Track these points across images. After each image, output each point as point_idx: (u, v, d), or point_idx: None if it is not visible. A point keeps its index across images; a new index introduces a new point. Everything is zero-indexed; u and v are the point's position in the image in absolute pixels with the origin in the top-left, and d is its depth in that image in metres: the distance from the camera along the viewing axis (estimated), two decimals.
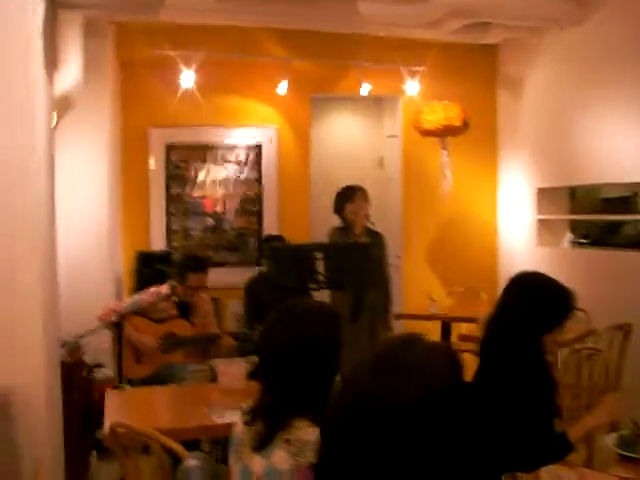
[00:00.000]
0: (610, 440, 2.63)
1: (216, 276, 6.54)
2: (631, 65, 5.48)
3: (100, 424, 3.33)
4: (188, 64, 6.09)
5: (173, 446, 2.66)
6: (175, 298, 4.73)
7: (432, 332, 5.59)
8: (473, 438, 1.29)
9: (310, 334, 2.02)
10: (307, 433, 1.91)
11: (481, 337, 2.77)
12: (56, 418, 3.66)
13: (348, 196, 5.32)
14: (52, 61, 3.92)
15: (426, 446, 1.21)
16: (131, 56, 6.39)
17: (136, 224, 6.62)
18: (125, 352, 4.39)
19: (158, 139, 6.66)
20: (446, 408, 1.24)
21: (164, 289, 4.83)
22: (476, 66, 7.19)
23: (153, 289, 4.89)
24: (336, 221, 5.49)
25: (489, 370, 2.65)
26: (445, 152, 6.55)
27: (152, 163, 6.66)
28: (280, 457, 1.93)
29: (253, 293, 5.67)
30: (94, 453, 4.81)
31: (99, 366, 5.20)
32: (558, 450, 2.55)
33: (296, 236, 6.22)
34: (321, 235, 5.65)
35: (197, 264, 4.95)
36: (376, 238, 5.41)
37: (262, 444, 1.97)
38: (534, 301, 2.62)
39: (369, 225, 5.41)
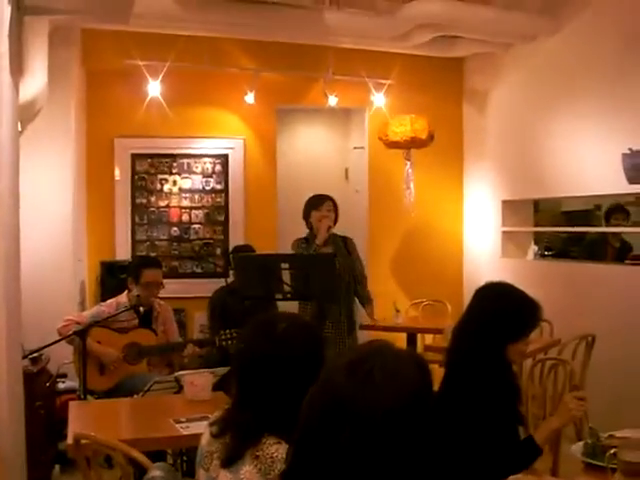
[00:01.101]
0: (576, 449, 2.64)
1: (181, 286, 6.56)
2: (595, 80, 5.56)
3: (63, 436, 3.26)
4: (155, 74, 6.07)
5: (137, 457, 2.61)
6: (135, 303, 4.67)
7: (398, 343, 5.57)
8: (440, 447, 1.30)
9: (295, 355, 1.96)
10: (276, 450, 1.87)
11: (447, 347, 2.78)
12: (19, 428, 3.59)
13: (315, 204, 5.34)
14: (18, 67, 3.87)
15: (396, 452, 1.21)
16: (97, 65, 6.34)
17: (101, 234, 6.55)
18: (88, 364, 4.31)
19: (124, 149, 6.60)
20: (417, 414, 1.24)
21: (123, 298, 4.79)
22: (442, 79, 7.25)
23: (111, 300, 4.84)
24: (302, 232, 5.48)
25: (455, 380, 2.66)
26: (409, 164, 6.58)
27: (117, 173, 6.60)
28: (248, 473, 1.89)
29: (219, 304, 5.65)
30: (57, 466, 4.73)
31: (62, 376, 5.13)
32: (526, 456, 2.56)
33: (263, 246, 6.20)
34: (288, 245, 5.64)
35: (150, 261, 5.06)
36: (343, 243, 5.40)
37: (231, 459, 1.93)
38: (500, 311, 2.63)
39: (334, 232, 5.39)
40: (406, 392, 1.24)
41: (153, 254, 6.61)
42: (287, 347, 1.96)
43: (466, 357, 2.63)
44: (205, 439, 2.07)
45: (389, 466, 1.21)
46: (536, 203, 6.84)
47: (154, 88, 6.10)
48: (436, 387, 2.66)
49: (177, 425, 3.24)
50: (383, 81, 6.81)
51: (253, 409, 1.95)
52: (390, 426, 1.21)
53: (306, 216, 5.38)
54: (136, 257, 6.08)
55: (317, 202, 5.33)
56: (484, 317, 2.64)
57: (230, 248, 6.46)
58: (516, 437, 2.69)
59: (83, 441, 2.75)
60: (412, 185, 6.63)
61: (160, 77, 6.05)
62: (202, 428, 2.16)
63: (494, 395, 2.58)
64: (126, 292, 4.81)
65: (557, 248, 6.50)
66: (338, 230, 5.49)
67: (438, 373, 2.74)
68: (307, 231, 5.40)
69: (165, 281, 4.91)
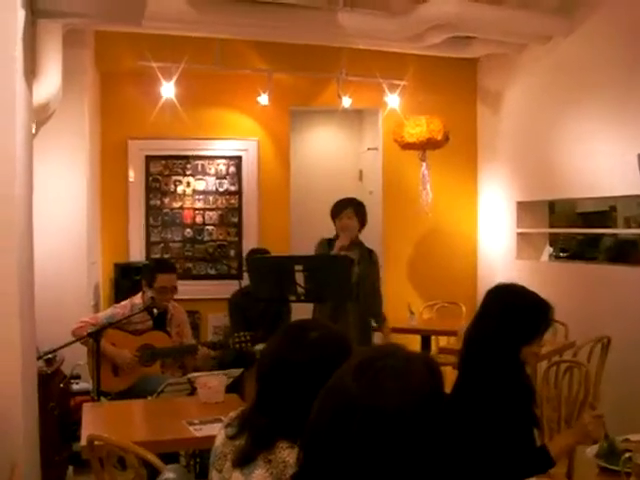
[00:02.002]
0: (591, 452, 2.64)
1: (195, 288, 6.58)
2: (610, 80, 5.54)
3: (77, 437, 3.28)
4: (168, 76, 6.09)
5: (151, 459, 2.62)
6: (149, 305, 4.69)
7: (412, 345, 5.58)
8: (452, 449, 1.31)
9: (321, 366, 1.87)
10: (289, 454, 1.87)
11: (460, 349, 2.78)
12: (33, 429, 3.62)
13: (336, 212, 5.26)
14: (31, 70, 3.90)
15: (405, 454, 1.22)
16: (111, 67, 6.39)
17: (115, 236, 6.59)
18: (102, 365, 4.33)
19: (137, 151, 6.64)
20: (426, 416, 1.25)
21: (137, 300, 4.80)
22: (456, 80, 7.24)
23: (126, 301, 4.85)
24: (316, 234, 5.47)
25: (468, 382, 2.65)
26: (424, 165, 6.58)
27: (131, 175, 6.64)
28: (261, 476, 1.89)
29: (238, 307, 5.66)
30: (70, 467, 4.75)
31: (76, 378, 5.16)
32: (539, 464, 2.56)
33: (276, 248, 6.22)
34: (301, 247, 5.65)
35: (165, 265, 5.06)
36: (369, 253, 5.37)
37: (244, 461, 1.92)
38: (513, 313, 2.63)
39: (361, 241, 5.36)
40: (414, 394, 1.24)
41: (167, 256, 6.64)
42: (317, 356, 1.93)
43: (479, 359, 2.63)
44: (220, 440, 2.07)
45: (397, 467, 1.21)
46: (551, 204, 6.81)
47: (168, 90, 6.12)
48: (449, 390, 2.68)
49: (190, 427, 3.25)
50: (397, 82, 6.80)
51: (271, 414, 1.94)
52: (398, 427, 1.21)
53: (333, 222, 5.34)
54: (151, 260, 6.10)
55: (337, 210, 5.22)
56: (497, 319, 2.64)
57: (244, 250, 6.49)
58: (531, 440, 2.68)
59: (97, 442, 2.76)
60: (429, 186, 6.62)
61: (174, 79, 6.07)
62: (215, 430, 2.17)
63: (508, 397, 2.58)
64: (140, 294, 4.83)
65: (572, 249, 6.47)
66: None
67: (452, 376, 2.75)
68: (333, 232, 5.36)
69: (178, 282, 4.92)
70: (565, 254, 6.49)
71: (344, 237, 5.16)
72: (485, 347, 2.62)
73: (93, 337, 4.23)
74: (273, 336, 2.05)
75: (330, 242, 5.28)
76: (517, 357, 2.64)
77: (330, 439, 1.24)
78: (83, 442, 2.90)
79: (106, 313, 4.83)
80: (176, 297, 5.06)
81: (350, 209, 5.23)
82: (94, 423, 3.38)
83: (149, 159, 6.70)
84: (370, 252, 5.40)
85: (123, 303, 4.87)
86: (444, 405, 1.30)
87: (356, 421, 1.22)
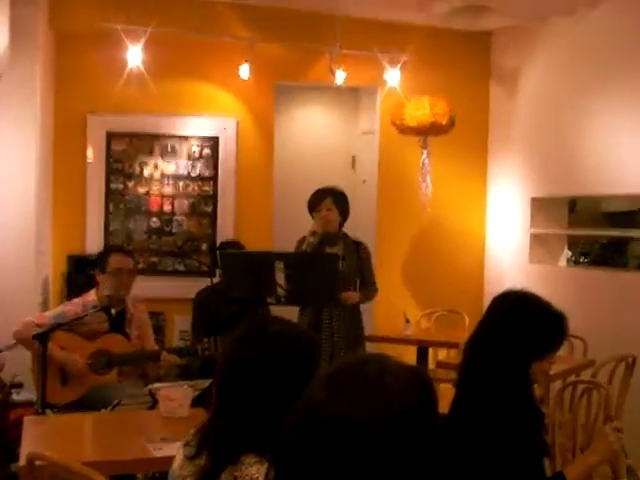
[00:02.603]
0: None
1: (160, 286, 6.54)
2: None
3: (16, 455, 3.23)
4: (135, 40, 6.01)
5: None
6: (107, 303, 4.63)
7: (406, 357, 5.55)
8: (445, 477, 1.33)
9: (283, 362, 1.98)
10: (257, 470, 1.88)
11: (460, 363, 2.75)
12: None
13: (313, 204, 5.30)
14: None
15: (377, 475, 1.21)
16: (68, 26, 6.32)
17: (69, 224, 6.53)
18: (49, 372, 4.27)
19: (98, 127, 6.57)
20: (403, 434, 1.24)
21: (91, 297, 4.76)
22: (466, 56, 7.22)
23: (78, 299, 4.81)
24: (301, 227, 5.44)
25: (468, 401, 2.64)
26: (425, 153, 6.55)
27: (90, 154, 6.58)
28: None
29: (203, 307, 5.68)
30: None
31: (18, 386, 5.09)
32: None
33: (256, 243, 6.19)
34: (285, 242, 5.61)
35: (118, 247, 5.18)
36: (356, 247, 5.36)
37: None
38: (521, 324, 2.62)
39: (345, 233, 5.37)
40: (388, 407, 1.23)
41: (129, 248, 6.57)
42: (276, 351, 1.99)
43: (481, 376, 2.61)
44: (177, 462, 2.07)
45: None
46: (571, 202, 6.81)
47: (134, 56, 6.05)
48: (447, 410, 2.65)
49: (149, 445, 3.21)
50: (398, 56, 6.76)
51: (232, 421, 1.96)
52: (364, 446, 1.21)
53: (312, 217, 5.36)
54: (103, 247, 6.07)
55: (315, 202, 5.29)
56: (503, 330, 2.62)
57: (218, 244, 6.44)
58: (540, 471, 2.66)
59: (38, 462, 2.72)
60: (429, 177, 6.60)
61: (141, 44, 5.99)
62: (177, 450, 2.14)
63: (514, 421, 2.55)
64: (94, 290, 4.79)
65: (595, 254, 6.47)
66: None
67: (450, 393, 2.72)
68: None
69: (142, 279, 4.88)
70: (586, 259, 6.49)
71: (318, 225, 5.16)
72: (488, 362, 2.60)
73: (39, 340, 4.16)
74: (233, 332, 2.09)
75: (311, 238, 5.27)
76: (525, 375, 2.62)
77: (294, 456, 1.26)
78: (22, 462, 2.86)
79: (55, 312, 4.78)
80: (138, 295, 5.02)
81: (329, 199, 5.27)
82: (36, 440, 3.34)
83: (111, 136, 6.63)
84: (358, 245, 5.39)
85: (75, 301, 4.82)
86: (434, 422, 1.29)
87: (318, 435, 1.22)
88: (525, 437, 2.58)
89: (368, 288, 5.42)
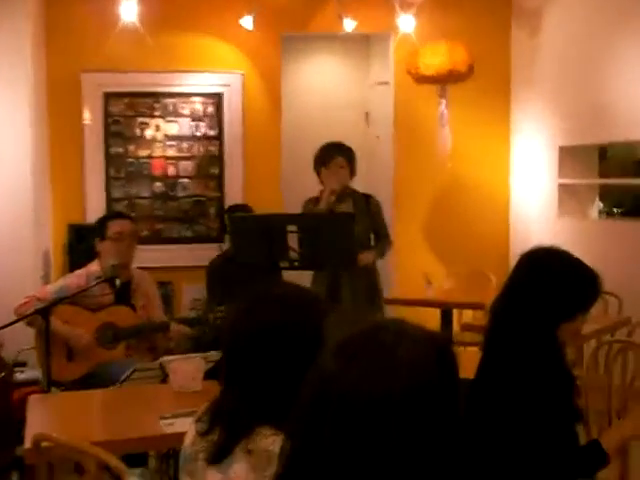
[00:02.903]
0: None
1: (167, 254, 6.58)
2: None
3: (21, 437, 3.26)
4: None
5: (112, 462, 2.61)
6: (111, 274, 4.65)
7: (429, 320, 5.56)
8: (470, 447, 1.32)
9: (285, 324, 2.00)
10: (273, 442, 1.89)
11: (486, 326, 2.75)
12: None
13: (323, 159, 5.29)
14: None
15: (394, 450, 1.21)
16: None
17: (68, 191, 6.56)
18: (53, 349, 4.30)
19: (94, 86, 6.57)
20: (422, 405, 1.23)
21: (94, 267, 4.77)
22: None
23: (81, 270, 4.82)
24: (312, 188, 5.44)
25: (495, 366, 2.65)
26: (444, 102, 6.51)
27: (87, 116, 6.57)
28: (241, 470, 1.91)
29: (218, 275, 5.71)
30: (15, 473, 4.75)
31: (21, 365, 5.13)
32: (588, 464, 2.53)
33: (265, 206, 6.19)
34: (295, 203, 5.60)
35: (115, 213, 5.22)
36: (366, 202, 5.36)
37: (219, 455, 1.95)
38: (549, 283, 2.61)
39: (354, 189, 5.38)
40: (404, 376, 1.23)
41: (132, 215, 6.59)
42: (280, 315, 2.01)
43: (508, 338, 2.61)
44: (189, 438, 2.08)
45: (385, 468, 1.20)
46: (602, 149, 6.76)
47: (129, 10, 6.04)
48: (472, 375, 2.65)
49: (161, 422, 3.23)
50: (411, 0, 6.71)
51: (243, 393, 1.98)
52: (380, 419, 1.20)
53: (317, 171, 5.35)
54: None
55: (325, 157, 5.28)
56: (530, 289, 2.62)
57: (226, 207, 6.45)
58: (573, 438, 2.66)
59: (44, 444, 2.74)
60: (448, 129, 6.57)
61: None
62: (189, 425, 2.15)
63: (544, 385, 2.55)
64: (97, 260, 4.80)
65: (629, 205, 6.43)
66: (357, 185, 5.44)
67: (477, 357, 2.73)
68: (320, 189, 5.37)
69: (148, 248, 4.90)
70: (619, 210, 6.46)
71: (325, 195, 5.16)
72: (516, 324, 2.61)
73: (41, 315, 4.18)
74: (231, 305, 2.09)
75: (318, 201, 5.28)
76: (555, 336, 2.63)
77: (308, 429, 1.26)
78: (27, 444, 2.87)
79: (57, 285, 4.79)
80: (144, 265, 5.05)
81: (342, 157, 5.27)
82: (42, 420, 3.35)
83: (108, 97, 6.63)
84: (368, 199, 5.39)
85: (78, 272, 4.83)
86: (455, 393, 1.29)
87: (331, 409, 1.22)
88: (556, 401, 2.58)
89: (382, 242, 5.43)
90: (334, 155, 5.28)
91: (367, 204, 5.39)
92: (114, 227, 4.76)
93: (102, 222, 4.87)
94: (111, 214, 5.12)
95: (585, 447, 2.60)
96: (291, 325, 2.00)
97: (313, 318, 2.06)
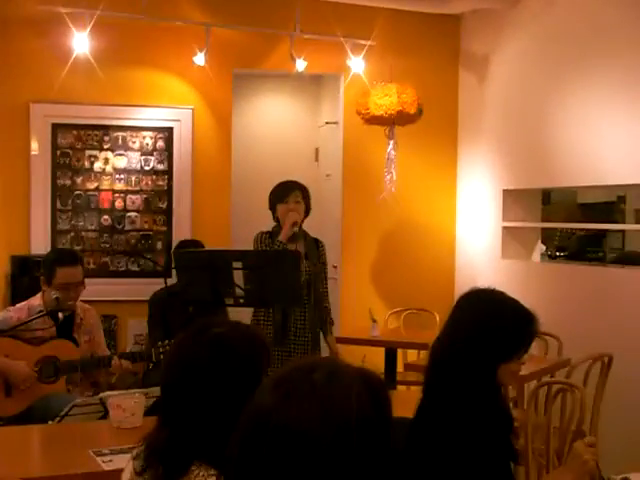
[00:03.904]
0: None
1: (113, 288, 6.51)
2: (620, 45, 5.55)
3: None
4: (82, 25, 5.98)
5: None
6: (54, 307, 4.58)
7: (373, 359, 5.57)
8: None
9: (226, 365, 2.00)
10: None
11: (425, 366, 2.77)
12: None
13: (280, 195, 5.34)
14: None
15: None
16: (8, 11, 6.26)
17: (13, 222, 6.48)
18: None
19: (42, 117, 6.51)
20: (354, 445, 1.25)
21: (36, 301, 4.72)
22: (434, 41, 7.24)
23: (22, 304, 4.77)
24: (261, 224, 5.45)
25: (433, 405, 2.65)
26: (391, 144, 6.55)
27: (34, 147, 6.51)
28: None
29: (159, 309, 5.67)
30: None
31: None
32: None
33: (214, 241, 6.18)
34: (245, 240, 5.59)
35: (66, 256, 4.93)
36: (316, 245, 5.40)
37: None
38: (488, 324, 2.63)
39: (306, 230, 5.40)
40: (336, 417, 1.25)
41: (78, 248, 6.54)
42: (220, 352, 2.01)
43: (447, 379, 2.62)
44: (127, 475, 2.08)
45: None
46: (545, 194, 6.85)
47: (81, 43, 6.01)
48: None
49: (98, 458, 3.21)
50: (362, 42, 6.77)
51: (173, 428, 1.98)
52: (313, 457, 1.22)
53: (272, 208, 5.38)
54: (50, 252, 5.96)
55: (283, 193, 5.33)
56: (468, 330, 2.64)
57: (174, 242, 6.43)
58: (509, 477, 2.67)
59: None
60: (394, 170, 6.59)
61: (88, 29, 5.96)
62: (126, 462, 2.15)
63: (481, 425, 2.57)
64: (40, 293, 4.74)
65: (571, 248, 6.52)
66: (306, 221, 5.46)
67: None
68: (274, 224, 5.39)
69: (94, 281, 4.81)
70: (562, 253, 6.54)
71: (287, 226, 5.19)
72: (453, 364, 2.62)
73: None
74: (175, 338, 2.14)
75: (272, 235, 5.29)
76: (493, 377, 2.64)
77: (244, 463, 1.27)
78: None
79: None
80: (89, 298, 5.02)
81: (298, 192, 5.33)
82: None
83: (57, 128, 6.57)
84: (317, 243, 5.43)
85: (19, 305, 4.78)
86: (387, 431, 1.31)
87: (267, 442, 1.24)
88: (492, 441, 2.59)
89: (324, 313, 5.44)
90: (291, 190, 5.33)
91: (317, 248, 5.42)
92: (62, 277, 4.66)
93: (50, 266, 4.75)
94: (60, 257, 4.88)
95: None
96: (227, 365, 2.00)
97: (253, 358, 2.05)
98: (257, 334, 2.20)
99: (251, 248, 5.34)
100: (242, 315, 4.88)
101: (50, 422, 3.98)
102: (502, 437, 2.66)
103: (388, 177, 6.57)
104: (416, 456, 2.51)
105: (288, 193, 5.33)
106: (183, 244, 5.90)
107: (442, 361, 2.67)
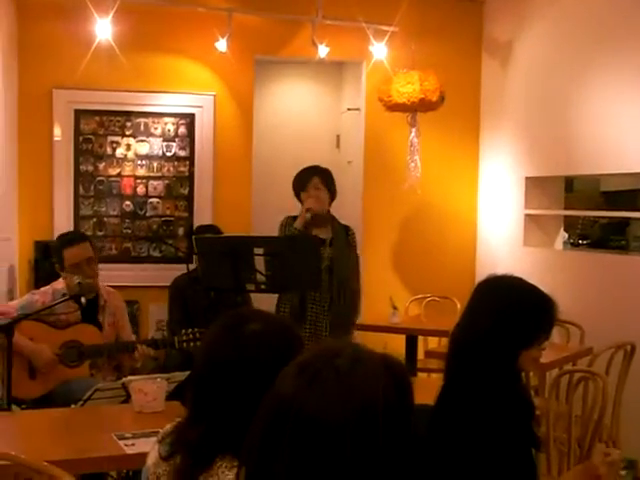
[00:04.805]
0: None
1: (134, 274, 6.54)
2: None
3: None
4: (104, 11, 5.97)
5: None
6: (77, 291, 4.59)
7: (394, 346, 5.56)
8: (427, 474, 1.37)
9: (262, 362, 1.95)
10: (231, 473, 1.87)
11: (446, 354, 2.76)
12: None
13: (301, 184, 5.35)
14: None
15: (349, 473, 1.23)
16: None
17: (36, 208, 6.51)
18: (16, 366, 4.25)
19: (65, 103, 6.53)
20: (377, 431, 1.25)
21: (59, 285, 4.73)
22: (457, 26, 7.22)
23: (46, 287, 4.78)
24: (282, 209, 5.46)
25: (455, 393, 2.65)
26: (414, 131, 6.53)
27: (57, 133, 6.54)
28: None
29: (180, 296, 5.65)
30: None
31: None
32: None
33: (235, 227, 6.17)
34: (265, 226, 5.60)
35: (70, 237, 4.93)
36: (345, 232, 5.41)
37: None
38: (508, 310, 2.63)
39: (334, 215, 5.41)
40: (359, 402, 1.25)
41: (100, 233, 6.57)
42: (254, 352, 1.97)
43: (467, 367, 2.61)
44: (152, 459, 2.07)
45: None
46: (568, 181, 6.81)
47: (103, 29, 6.01)
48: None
49: (121, 442, 3.22)
50: (385, 28, 6.74)
51: (207, 425, 1.96)
52: (337, 443, 1.22)
53: (298, 198, 5.41)
54: (55, 240, 5.99)
55: (302, 182, 5.35)
56: (489, 317, 2.63)
57: (195, 228, 6.43)
58: (531, 464, 2.66)
59: (2, 462, 2.72)
60: (417, 157, 6.58)
61: (111, 15, 5.96)
62: (151, 446, 2.15)
63: (503, 411, 2.56)
64: (62, 277, 4.76)
65: (593, 236, 6.48)
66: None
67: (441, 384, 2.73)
68: (299, 210, 5.39)
69: (116, 266, 4.82)
70: (584, 241, 6.51)
71: (310, 201, 5.19)
72: (475, 351, 2.61)
73: (4, 330, 4.14)
74: (209, 329, 2.09)
75: (294, 220, 5.30)
76: (514, 363, 2.63)
77: (265, 452, 1.27)
78: None
79: (21, 301, 4.76)
80: (111, 283, 5.03)
81: (317, 178, 5.32)
82: (1, 437, 3.34)
83: (79, 114, 6.60)
84: (347, 230, 5.43)
85: (43, 289, 4.80)
86: (409, 417, 1.31)
87: (289, 431, 1.24)
88: (514, 429, 2.58)
89: (353, 292, 5.44)
90: (310, 177, 5.34)
91: (347, 234, 5.43)
92: (70, 257, 4.67)
93: (58, 251, 4.75)
94: (64, 240, 4.86)
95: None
96: (262, 365, 1.94)
97: (287, 356, 2.00)
98: (292, 328, 2.14)
99: (272, 234, 5.35)
100: (265, 300, 4.91)
101: (73, 406, 4.00)
102: (524, 423, 2.65)
103: (412, 165, 6.56)
104: (438, 443, 2.51)
105: (307, 181, 5.34)
106: (202, 229, 5.88)
107: (463, 348, 2.67)
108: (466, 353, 2.64)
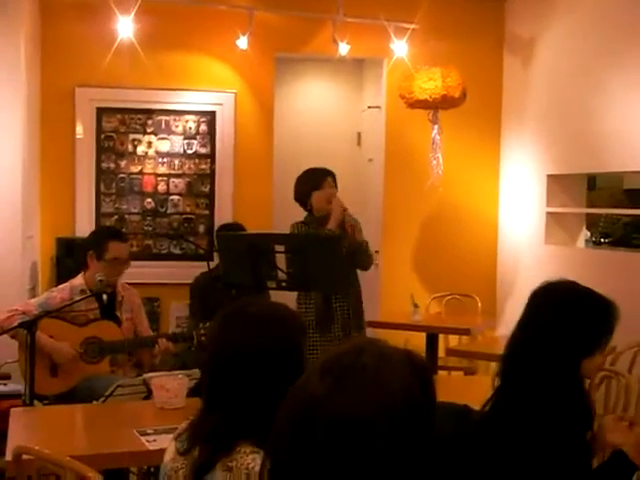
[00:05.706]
0: None
1: (155, 271, 6.56)
2: None
3: (2, 450, 3.24)
4: (126, 9, 5.99)
5: (92, 477, 2.59)
6: (98, 288, 4.62)
7: (414, 344, 5.55)
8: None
9: (266, 342, 2.02)
10: (253, 460, 1.91)
11: (501, 366, 2.63)
12: None
13: (316, 182, 5.30)
14: None
15: (378, 471, 1.23)
16: None
17: (58, 205, 6.54)
18: (38, 363, 4.27)
19: (87, 101, 6.57)
20: (405, 427, 1.26)
21: (77, 282, 4.75)
22: (478, 23, 7.19)
23: (64, 284, 4.81)
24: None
25: (514, 401, 2.53)
26: (436, 128, 6.52)
27: (79, 131, 6.57)
28: None
29: (200, 294, 5.67)
30: None
31: (5, 378, 5.10)
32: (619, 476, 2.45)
33: (255, 224, 6.19)
34: (286, 224, 5.59)
35: (117, 232, 5.05)
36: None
37: (200, 472, 1.95)
38: (573, 318, 2.52)
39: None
40: (387, 400, 1.25)
41: (123, 230, 6.58)
42: (258, 331, 2.03)
43: (531, 377, 2.50)
44: (169, 455, 2.10)
45: None
46: (591, 179, 6.77)
47: (125, 27, 6.03)
48: (442, 399, 2.61)
49: (142, 438, 3.25)
50: (406, 25, 6.73)
51: (224, 410, 2.00)
52: (367, 440, 1.23)
53: (304, 197, 5.35)
54: (97, 229, 6.03)
55: (317, 180, 5.31)
56: (553, 326, 2.52)
57: (216, 225, 6.46)
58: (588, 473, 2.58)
59: (25, 456, 2.73)
60: (440, 154, 6.56)
61: (133, 13, 5.98)
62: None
63: (565, 422, 2.47)
64: (82, 274, 4.78)
65: (616, 234, 6.45)
66: (348, 207, 5.45)
67: (461, 382, 2.71)
68: (305, 214, 5.38)
69: (137, 264, 4.86)
70: (606, 240, 6.47)
71: (337, 213, 5.19)
72: (540, 362, 2.50)
73: (26, 328, 4.16)
74: (214, 320, 2.16)
75: (307, 225, 5.29)
76: (576, 373, 2.54)
77: (293, 451, 1.27)
78: (8, 456, 2.88)
79: (41, 299, 4.78)
80: (132, 281, 5.06)
81: (330, 177, 5.33)
82: (24, 433, 3.36)
83: (101, 112, 6.63)
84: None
85: (61, 286, 4.83)
86: (433, 414, 1.32)
87: (319, 432, 1.24)
88: (573, 438, 2.48)
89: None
90: (325, 176, 5.33)
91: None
92: (114, 251, 4.71)
93: (102, 240, 4.79)
94: (112, 233, 4.96)
95: (610, 461, 2.47)
96: (267, 342, 2.02)
97: (291, 333, 2.08)
98: (293, 312, 2.23)
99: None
100: (285, 299, 4.90)
101: (95, 402, 4.03)
102: (582, 433, 2.55)
103: (434, 162, 6.54)
104: (494, 452, 2.44)
105: (323, 179, 5.31)
106: (225, 227, 5.91)
107: (526, 359, 2.54)
108: (530, 364, 2.52)
